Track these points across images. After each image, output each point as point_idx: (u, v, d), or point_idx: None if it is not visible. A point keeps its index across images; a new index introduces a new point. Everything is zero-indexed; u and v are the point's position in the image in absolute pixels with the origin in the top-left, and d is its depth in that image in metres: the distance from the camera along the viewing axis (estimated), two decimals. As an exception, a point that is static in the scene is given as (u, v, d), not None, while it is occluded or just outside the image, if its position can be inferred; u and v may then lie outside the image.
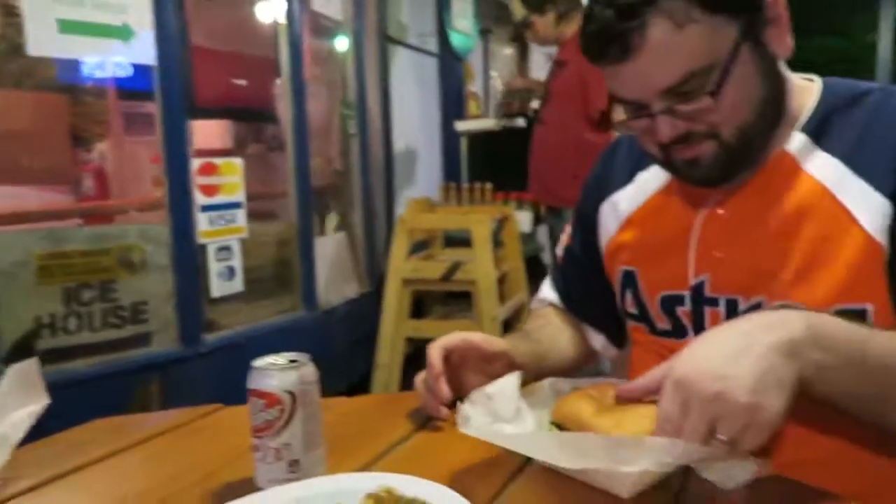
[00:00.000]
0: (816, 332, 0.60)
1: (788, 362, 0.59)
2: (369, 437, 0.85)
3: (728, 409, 0.57)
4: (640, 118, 0.77)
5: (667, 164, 0.81)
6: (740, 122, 0.74)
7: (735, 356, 0.58)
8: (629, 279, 0.93)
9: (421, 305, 3.04)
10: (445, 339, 0.88)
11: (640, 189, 0.93)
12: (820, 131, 0.78)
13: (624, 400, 0.69)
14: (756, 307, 0.78)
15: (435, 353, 0.86)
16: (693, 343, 0.63)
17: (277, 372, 0.70)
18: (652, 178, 0.92)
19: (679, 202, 0.87)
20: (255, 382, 0.71)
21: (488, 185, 3.14)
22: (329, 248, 2.78)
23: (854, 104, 0.77)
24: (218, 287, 2.09)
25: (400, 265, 2.66)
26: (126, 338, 1.87)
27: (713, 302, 0.83)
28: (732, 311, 0.80)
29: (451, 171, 3.88)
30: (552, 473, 0.72)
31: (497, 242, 2.88)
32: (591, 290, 1.03)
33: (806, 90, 0.81)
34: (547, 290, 1.11)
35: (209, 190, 2.04)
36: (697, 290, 0.84)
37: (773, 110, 0.77)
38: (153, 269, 1.92)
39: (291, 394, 0.70)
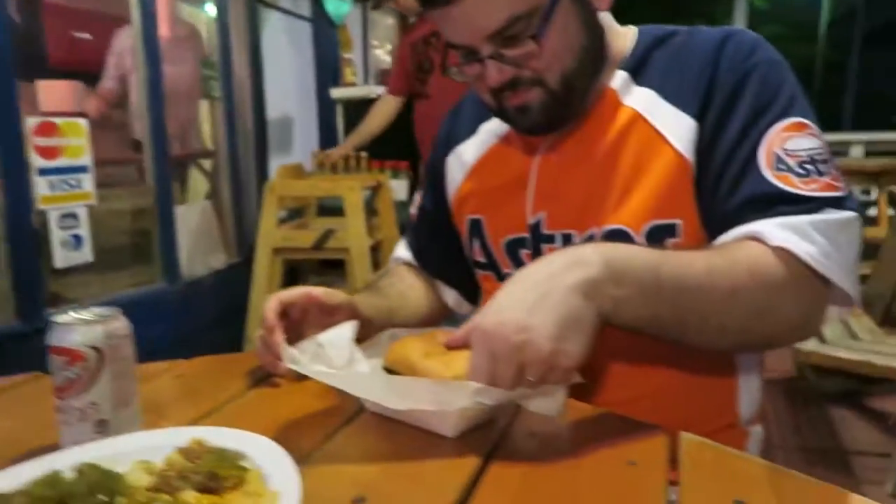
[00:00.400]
0: (613, 267, 0.63)
1: (587, 303, 0.61)
2: (200, 397, 0.82)
3: (532, 357, 0.60)
4: (471, 63, 0.79)
5: (499, 111, 0.84)
6: (564, 69, 0.78)
7: (536, 304, 0.60)
8: (476, 228, 0.95)
9: (295, 276, 2.97)
10: (283, 293, 0.86)
11: (482, 139, 0.96)
12: (637, 68, 0.83)
13: (450, 347, 0.70)
14: (589, 240, 0.82)
15: (270, 306, 0.84)
16: (498, 292, 0.64)
17: (80, 326, 0.65)
18: (493, 129, 0.95)
19: (517, 149, 0.91)
20: (55, 339, 0.65)
21: (364, 154, 3.09)
22: (193, 216, 2.64)
23: (664, 43, 0.83)
24: (62, 257, 1.93)
25: (269, 233, 2.57)
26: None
27: (550, 239, 0.86)
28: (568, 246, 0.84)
29: (326, 139, 3.79)
30: (379, 423, 0.71)
31: (371, 210, 2.86)
32: (443, 246, 1.04)
33: (625, 35, 0.87)
34: (401, 249, 1.12)
35: (49, 152, 1.87)
36: (535, 230, 0.87)
37: (594, 58, 0.81)
38: (-18, 237, 1.75)
39: (97, 349, 0.65)
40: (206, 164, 3.16)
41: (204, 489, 0.50)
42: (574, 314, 0.60)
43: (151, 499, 0.46)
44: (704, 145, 0.76)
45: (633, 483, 0.59)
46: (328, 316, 0.86)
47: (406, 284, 1.07)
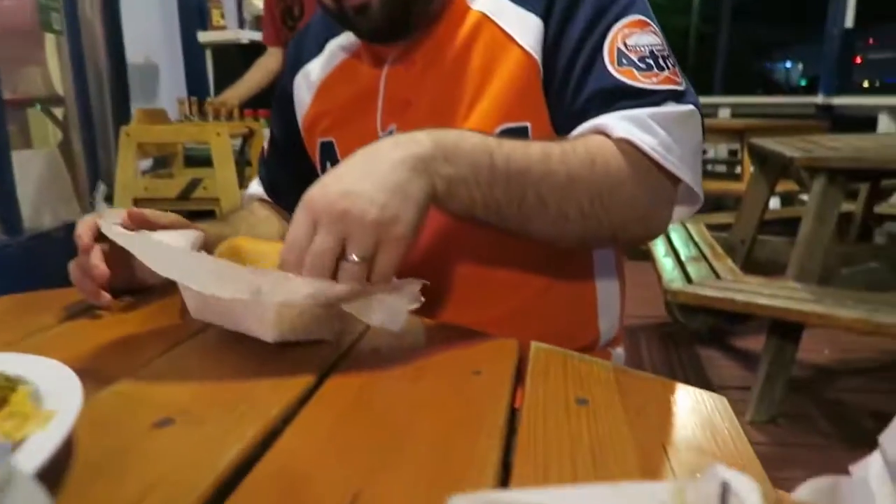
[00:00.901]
0: (444, 146, 0.60)
1: (416, 177, 0.58)
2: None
3: (356, 225, 0.55)
4: None
5: (340, 15, 0.80)
6: None
7: (362, 175, 0.57)
8: (328, 151, 0.92)
9: (161, 230, 2.76)
10: (102, 213, 0.76)
11: (329, 56, 0.92)
12: None
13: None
14: None
15: (83, 226, 0.73)
16: (326, 174, 0.59)
17: None
18: (341, 44, 0.91)
19: (365, 63, 0.87)
20: None
21: (232, 101, 2.90)
22: (37, 164, 2.38)
23: None
24: None
25: (128, 182, 2.37)
26: None
27: None
28: None
29: (195, 85, 3.54)
30: (204, 348, 0.64)
31: (244, 160, 2.70)
32: (295, 176, 0.98)
33: None
34: (253, 185, 1.07)
35: None
36: None
37: None
38: None
39: None
40: (59, 112, 2.86)
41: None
42: (402, 184, 0.57)
43: None
44: (550, 44, 0.75)
45: (476, 391, 0.55)
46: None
47: (257, 218, 1.01)
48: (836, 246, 2.51)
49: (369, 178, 0.56)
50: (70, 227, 2.51)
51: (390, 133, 0.83)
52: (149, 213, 0.77)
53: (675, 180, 0.70)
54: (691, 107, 0.71)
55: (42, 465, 0.36)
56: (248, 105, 2.95)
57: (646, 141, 0.67)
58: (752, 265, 2.65)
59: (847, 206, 2.81)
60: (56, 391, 0.46)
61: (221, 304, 0.59)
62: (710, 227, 2.95)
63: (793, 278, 2.20)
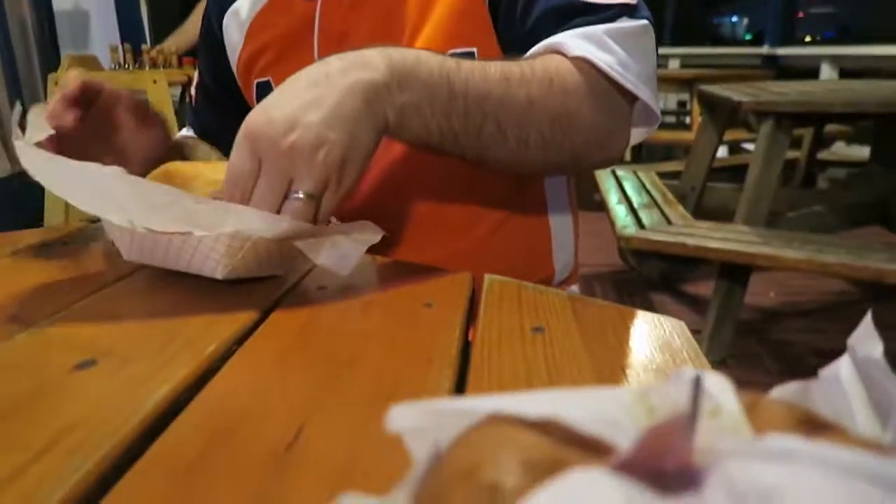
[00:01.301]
0: (398, 70, 0.56)
1: (367, 109, 0.53)
2: None
3: (303, 163, 0.51)
4: None
5: None
6: None
7: (309, 103, 0.52)
8: (266, 91, 0.85)
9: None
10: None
11: None
12: None
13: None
14: None
15: (69, 83, 0.69)
16: (272, 92, 0.54)
17: None
18: None
19: None
20: None
21: (173, 49, 2.76)
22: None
23: None
24: None
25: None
26: None
27: None
28: None
29: (129, 33, 3.35)
30: (136, 287, 0.59)
31: (183, 110, 2.57)
32: (229, 122, 0.91)
33: None
34: (183, 132, 1.02)
35: None
36: None
37: None
38: None
39: None
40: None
41: None
42: (353, 118, 0.52)
43: None
44: None
45: (427, 323, 0.52)
46: (139, 122, 0.74)
47: (196, 141, 0.97)
48: (781, 191, 2.56)
49: (317, 107, 0.51)
50: (1, 183, 2.35)
51: None
52: (132, 94, 0.73)
53: (632, 99, 0.67)
54: (645, 21, 0.68)
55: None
56: (189, 53, 2.81)
57: (604, 59, 0.63)
58: (702, 212, 2.68)
59: (791, 154, 2.86)
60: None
61: (160, 242, 0.54)
62: (661, 176, 2.98)
63: (741, 222, 2.24)
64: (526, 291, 0.57)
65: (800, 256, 1.90)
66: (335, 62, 0.55)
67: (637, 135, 0.72)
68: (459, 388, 0.41)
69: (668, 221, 2.26)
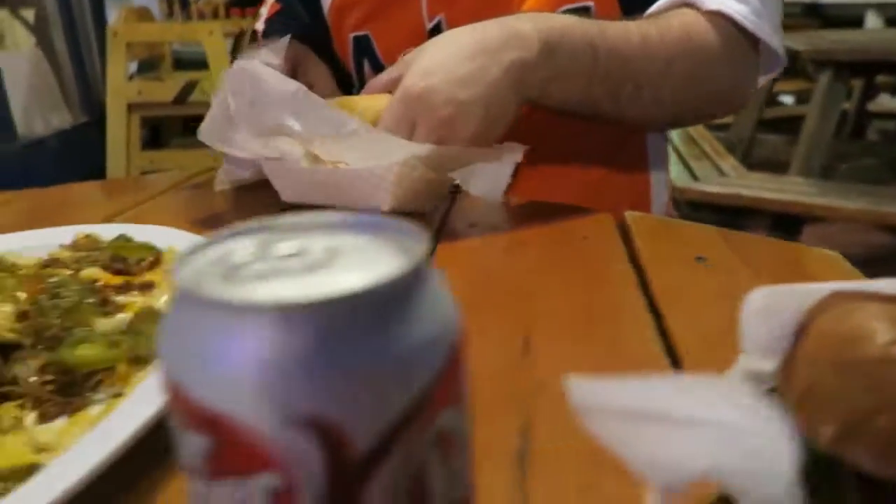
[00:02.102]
0: (548, 46, 0.58)
1: (516, 88, 0.57)
2: (86, 210, 0.69)
3: (451, 134, 0.56)
4: None
5: None
6: None
7: (469, 78, 0.55)
8: (363, 46, 0.83)
9: (157, 137, 2.68)
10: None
11: None
12: None
13: (369, 92, 0.65)
14: None
15: None
16: (429, 50, 0.57)
17: None
18: None
19: None
20: None
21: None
22: (21, 66, 2.26)
23: None
24: None
25: (120, 86, 2.27)
26: None
27: None
28: None
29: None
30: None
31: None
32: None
33: None
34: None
35: None
36: (435, 35, 0.77)
37: None
38: None
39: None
40: (27, 14, 2.68)
41: (110, 270, 0.41)
42: (503, 99, 0.56)
43: (48, 274, 0.36)
44: None
45: (592, 253, 0.55)
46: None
47: None
48: (832, 143, 2.54)
49: (476, 85, 0.55)
50: (63, 136, 2.40)
51: (437, 25, 0.76)
52: None
53: (757, 46, 0.68)
54: None
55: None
56: (235, 3, 2.80)
57: (739, 11, 0.64)
58: (750, 164, 2.67)
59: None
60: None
61: (325, 177, 0.57)
62: (708, 128, 2.95)
63: (796, 173, 2.23)
64: (676, 226, 0.60)
65: (857, 207, 1.90)
66: (493, 31, 0.57)
67: (760, 81, 0.73)
68: (653, 309, 0.45)
69: (721, 173, 2.26)
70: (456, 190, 0.63)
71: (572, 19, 0.62)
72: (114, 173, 2.29)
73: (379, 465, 0.15)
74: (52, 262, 0.39)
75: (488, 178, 0.59)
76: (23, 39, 2.61)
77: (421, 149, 0.55)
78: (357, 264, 0.16)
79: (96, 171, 2.35)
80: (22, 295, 0.33)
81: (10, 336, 0.32)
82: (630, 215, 0.63)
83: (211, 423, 0.14)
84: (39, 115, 2.27)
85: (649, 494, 0.18)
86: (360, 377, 0.14)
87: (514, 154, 0.60)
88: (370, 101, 0.63)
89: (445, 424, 0.16)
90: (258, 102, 0.57)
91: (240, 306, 0.15)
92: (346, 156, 0.56)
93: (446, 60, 0.56)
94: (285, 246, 0.17)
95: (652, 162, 0.86)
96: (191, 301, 0.15)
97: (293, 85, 0.57)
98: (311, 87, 0.75)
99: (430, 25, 0.78)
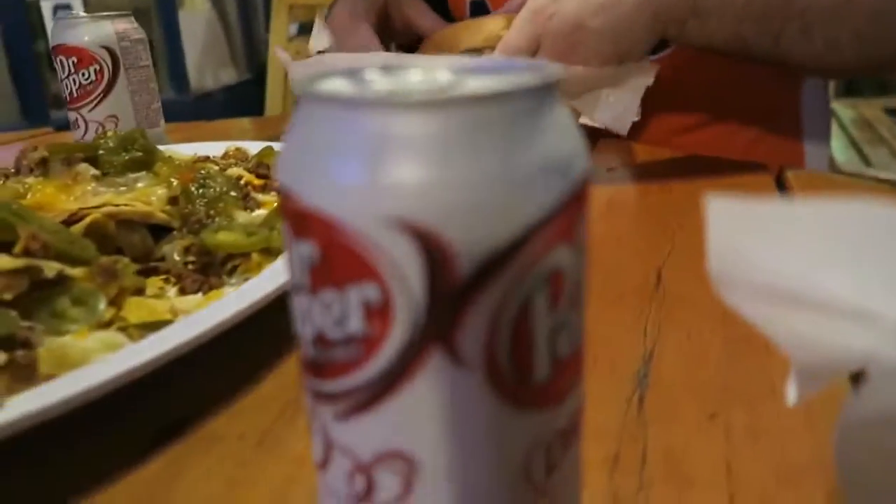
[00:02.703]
0: None
1: (650, 26, 0.52)
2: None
3: (577, 59, 0.51)
4: None
5: None
6: None
7: (603, 7, 0.51)
8: None
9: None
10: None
11: None
12: None
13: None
14: None
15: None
16: None
17: (88, 23, 0.55)
18: None
19: None
20: (60, 37, 0.55)
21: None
22: (198, 25, 2.45)
23: None
24: (63, 57, 1.79)
25: (281, 46, 2.40)
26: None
27: None
28: None
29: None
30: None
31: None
32: None
33: None
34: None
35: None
36: None
37: None
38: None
39: (109, 50, 0.55)
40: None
41: (254, 174, 0.42)
42: (634, 33, 0.51)
43: (199, 167, 0.38)
44: None
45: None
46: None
47: None
48: None
49: (608, 14, 0.51)
50: (229, 90, 2.57)
51: None
52: None
53: None
54: None
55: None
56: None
57: None
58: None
59: None
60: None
61: None
62: (887, 112, 2.65)
63: None
64: (839, 183, 0.54)
65: None
66: None
67: None
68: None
69: (902, 159, 2.03)
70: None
71: None
72: (271, 111, 2.44)
73: (481, 292, 0.14)
74: (203, 159, 0.42)
75: (615, 106, 0.54)
76: (199, 1, 2.83)
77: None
78: (486, 84, 0.15)
79: (258, 109, 2.51)
80: (175, 182, 0.36)
81: (162, 217, 0.35)
82: (791, 172, 0.57)
83: (318, 229, 0.14)
84: (210, 70, 2.46)
85: (790, 381, 0.16)
86: (474, 191, 0.13)
87: (645, 76, 0.54)
88: (479, 25, 0.60)
89: (558, 264, 0.14)
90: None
91: (355, 100, 0.14)
92: None
93: None
94: (413, 71, 0.16)
95: (808, 132, 0.77)
96: (308, 101, 0.15)
97: (377, 55, 0.55)
98: (410, 21, 0.75)
99: None
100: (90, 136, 0.56)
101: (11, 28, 1.68)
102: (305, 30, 2.92)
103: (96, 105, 0.55)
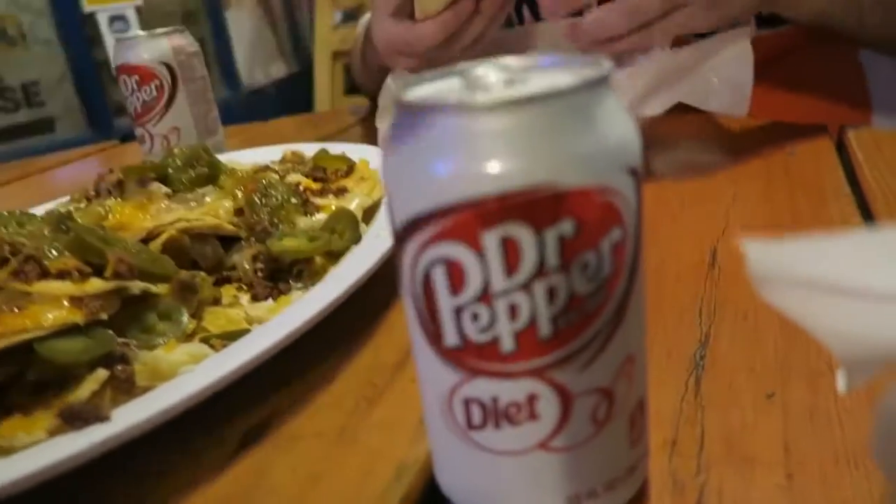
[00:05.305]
0: None
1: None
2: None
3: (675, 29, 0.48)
4: None
5: None
6: None
7: None
8: None
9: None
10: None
11: None
12: None
13: None
14: None
15: None
16: None
17: (146, 41, 0.58)
18: None
19: None
20: (120, 57, 0.58)
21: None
22: (245, 23, 2.50)
23: None
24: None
25: (326, 36, 2.42)
26: (24, 123, 1.68)
27: None
28: None
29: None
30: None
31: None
32: None
33: None
34: None
35: (86, -53, 1.74)
36: None
37: None
38: (35, 42, 1.68)
39: (167, 66, 0.58)
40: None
41: (311, 178, 0.44)
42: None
43: (260, 177, 0.40)
44: None
45: (797, 167, 0.50)
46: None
47: None
48: None
49: None
50: (280, 83, 2.61)
51: None
52: None
53: None
54: None
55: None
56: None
57: None
58: None
59: None
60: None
61: None
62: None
63: None
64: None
65: None
66: None
67: None
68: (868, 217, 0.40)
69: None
70: None
71: None
72: (320, 107, 2.48)
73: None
74: (263, 169, 0.44)
75: (726, 87, 0.48)
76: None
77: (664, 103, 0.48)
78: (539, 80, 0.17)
79: (307, 104, 2.55)
80: (239, 193, 0.38)
81: (231, 229, 0.37)
82: (853, 131, 0.56)
83: (573, 204, 0.16)
84: (260, 66, 2.51)
85: (839, 370, 0.17)
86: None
87: (744, 43, 0.48)
88: None
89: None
90: None
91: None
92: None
93: None
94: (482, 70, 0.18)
95: (874, 92, 0.74)
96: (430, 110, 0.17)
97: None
98: None
99: None
100: (157, 148, 0.59)
101: (73, 44, 1.76)
102: (348, 17, 2.94)
103: (160, 119, 0.58)
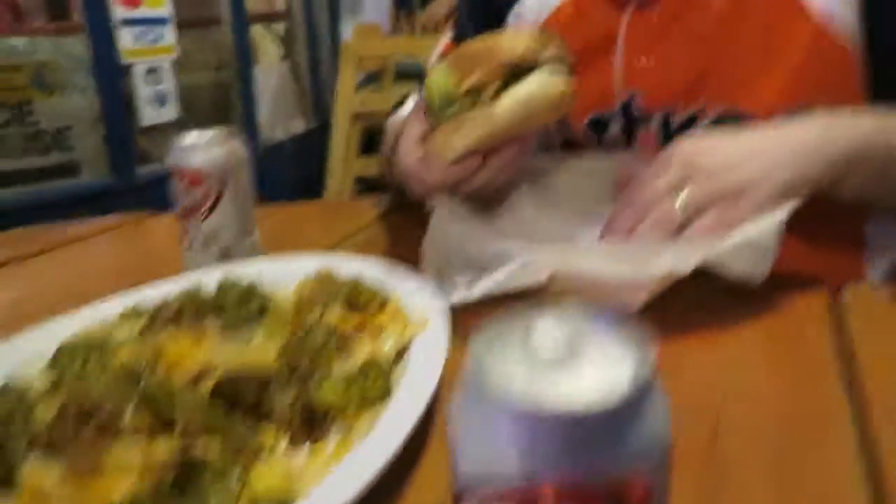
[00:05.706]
0: (853, 153, 0.56)
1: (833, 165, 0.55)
2: (317, 235, 0.79)
3: (736, 214, 0.52)
4: None
5: None
6: None
7: (789, 160, 0.54)
8: None
9: (373, 143, 2.91)
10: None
11: None
12: None
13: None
14: (692, 120, 0.69)
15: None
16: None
17: (200, 146, 0.62)
18: None
19: (599, 6, 0.73)
20: (175, 159, 0.62)
21: (442, 12, 2.92)
22: (271, 78, 2.59)
23: None
24: (149, 114, 1.92)
25: (348, 97, 2.50)
26: (52, 166, 1.73)
27: (646, 120, 0.72)
28: (666, 129, 0.71)
29: (401, -1, 3.60)
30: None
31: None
32: None
33: None
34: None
35: (130, 1, 1.82)
36: (627, 110, 0.73)
37: None
38: (73, 90, 1.74)
39: (218, 172, 0.62)
40: (278, 27, 3.05)
41: (346, 307, 0.48)
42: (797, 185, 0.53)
43: (303, 316, 0.43)
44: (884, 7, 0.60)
45: (792, 338, 0.53)
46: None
47: None
48: None
49: (794, 165, 0.54)
50: (296, 140, 2.66)
51: (631, 97, 0.72)
52: None
53: None
54: None
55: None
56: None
57: None
58: None
59: None
60: (417, 297, 0.50)
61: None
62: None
63: None
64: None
65: None
66: (809, 127, 0.57)
67: None
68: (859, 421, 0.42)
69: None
70: None
71: (870, 124, 0.58)
72: (333, 175, 2.53)
73: None
74: (303, 305, 0.47)
75: (748, 253, 0.50)
76: (271, 52, 2.98)
77: (686, 264, 0.49)
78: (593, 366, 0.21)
79: (316, 172, 2.61)
80: (285, 333, 0.41)
81: (274, 372, 0.40)
82: (851, 290, 0.59)
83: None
84: (280, 122, 2.59)
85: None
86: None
87: (777, 216, 0.50)
88: (511, 40, 0.58)
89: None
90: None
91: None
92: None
93: (749, 143, 0.56)
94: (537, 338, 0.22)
95: (871, 248, 0.76)
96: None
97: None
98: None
99: (621, 100, 0.72)
100: (196, 246, 0.63)
101: (107, 93, 1.82)
102: (369, 80, 3.03)
103: (203, 219, 0.62)
